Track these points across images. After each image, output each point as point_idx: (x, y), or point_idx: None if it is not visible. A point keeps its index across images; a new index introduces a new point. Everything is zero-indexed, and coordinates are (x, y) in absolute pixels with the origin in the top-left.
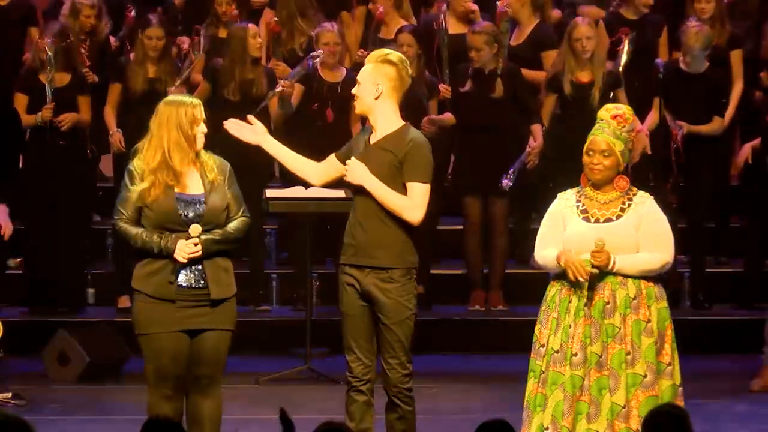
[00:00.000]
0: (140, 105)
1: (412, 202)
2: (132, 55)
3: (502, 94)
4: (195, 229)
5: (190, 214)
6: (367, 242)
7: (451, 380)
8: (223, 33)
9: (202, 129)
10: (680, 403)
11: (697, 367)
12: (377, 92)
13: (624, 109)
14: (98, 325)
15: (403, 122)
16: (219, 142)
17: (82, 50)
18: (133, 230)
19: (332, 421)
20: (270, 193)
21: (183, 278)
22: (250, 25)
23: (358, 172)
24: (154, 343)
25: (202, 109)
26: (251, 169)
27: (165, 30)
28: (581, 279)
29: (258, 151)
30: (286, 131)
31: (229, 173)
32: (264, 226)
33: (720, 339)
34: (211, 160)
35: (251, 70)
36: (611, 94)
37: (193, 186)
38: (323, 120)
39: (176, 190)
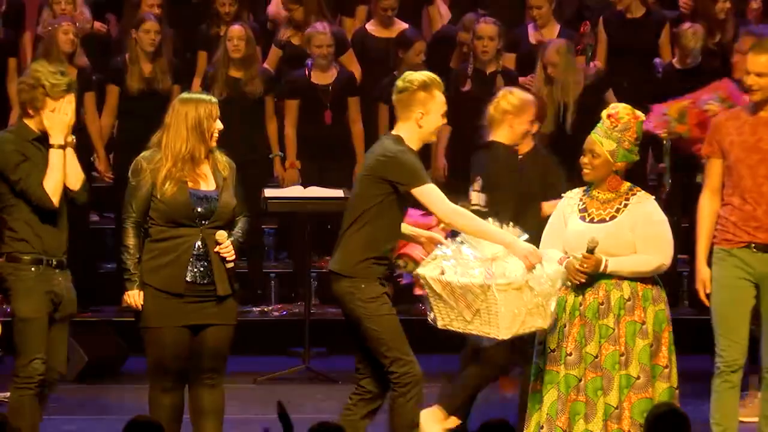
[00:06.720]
0: (138, 104)
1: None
2: (126, 56)
3: None
4: (221, 235)
5: (201, 210)
6: None
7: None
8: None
9: (219, 126)
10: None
11: (697, 366)
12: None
13: (619, 108)
14: (97, 325)
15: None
16: (219, 138)
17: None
18: (130, 242)
19: (326, 421)
20: (269, 192)
21: (189, 274)
22: (231, 27)
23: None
24: (158, 337)
25: (218, 107)
26: (251, 167)
27: (161, 25)
28: (577, 282)
29: (257, 150)
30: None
31: (234, 172)
32: (263, 226)
33: None
34: (222, 157)
35: (237, 69)
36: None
37: (207, 182)
38: (322, 123)
39: (190, 185)
